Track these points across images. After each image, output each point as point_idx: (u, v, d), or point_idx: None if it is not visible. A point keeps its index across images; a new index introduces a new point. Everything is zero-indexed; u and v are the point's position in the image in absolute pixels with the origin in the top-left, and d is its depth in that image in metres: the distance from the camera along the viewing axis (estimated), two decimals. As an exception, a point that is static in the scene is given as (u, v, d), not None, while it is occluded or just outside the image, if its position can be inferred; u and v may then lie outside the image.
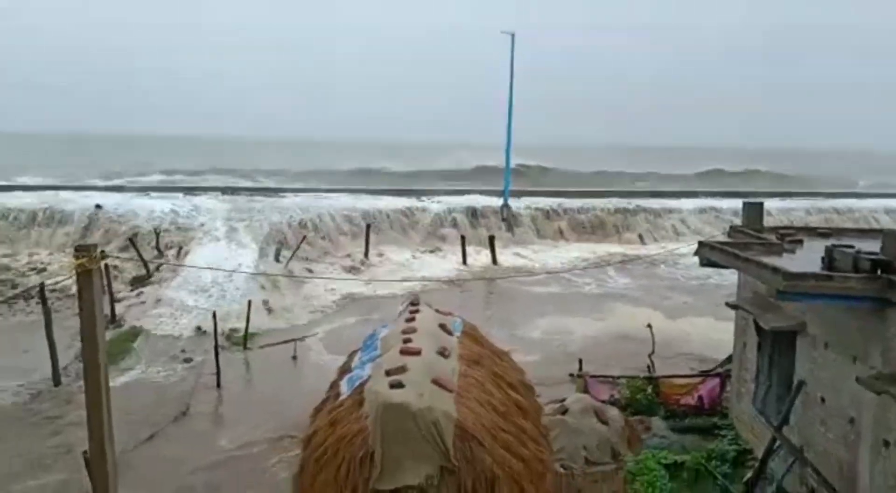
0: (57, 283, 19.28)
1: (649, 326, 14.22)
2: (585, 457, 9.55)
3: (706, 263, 10.70)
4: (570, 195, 38.81)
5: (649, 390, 12.33)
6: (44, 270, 25.01)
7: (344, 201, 34.37)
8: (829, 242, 9.19)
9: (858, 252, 7.88)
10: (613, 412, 10.55)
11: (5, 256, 26.92)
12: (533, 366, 13.80)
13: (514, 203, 35.12)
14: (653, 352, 13.74)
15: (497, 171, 37.61)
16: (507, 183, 35.04)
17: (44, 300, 15.64)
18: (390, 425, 7.44)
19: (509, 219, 33.92)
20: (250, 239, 26.20)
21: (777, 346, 9.95)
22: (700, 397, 12.34)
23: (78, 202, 30.87)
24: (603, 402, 11.42)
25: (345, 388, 9.00)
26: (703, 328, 17.76)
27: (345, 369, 9.82)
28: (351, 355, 10.36)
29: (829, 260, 8.26)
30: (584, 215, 35.50)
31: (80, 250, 7.69)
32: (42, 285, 16.64)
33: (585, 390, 12.04)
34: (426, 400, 7.51)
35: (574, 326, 19.75)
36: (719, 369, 13.14)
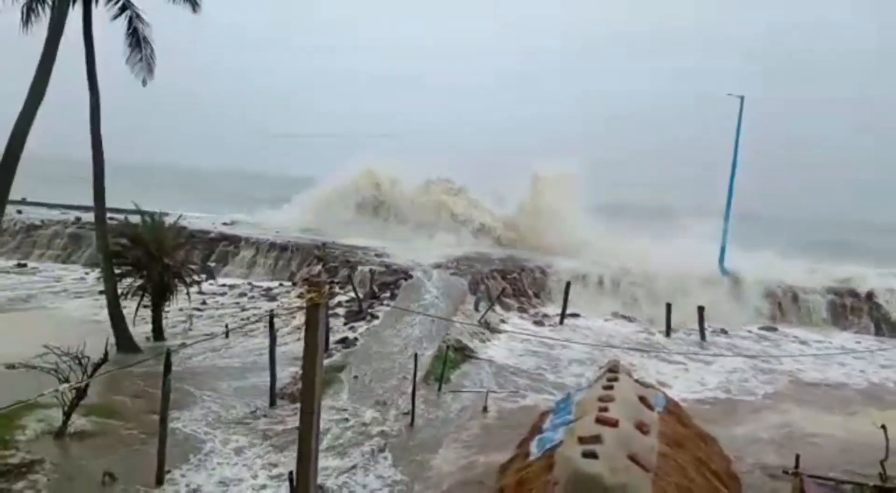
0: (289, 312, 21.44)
1: (883, 427, 12.40)
2: (795, 567, 8.51)
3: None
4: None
5: (880, 501, 10.71)
6: (273, 298, 28.01)
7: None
8: None
9: None
10: (833, 523, 9.32)
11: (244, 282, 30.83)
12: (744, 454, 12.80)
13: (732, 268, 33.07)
14: (886, 458, 11.93)
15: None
16: (725, 247, 33.26)
17: (271, 328, 17.38)
18: (580, 496, 7.24)
19: (725, 287, 31.81)
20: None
21: None
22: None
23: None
24: (820, 508, 10.16)
25: (534, 449, 8.95)
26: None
27: (535, 429, 9.77)
28: (542, 416, 10.29)
29: None
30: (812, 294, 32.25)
31: (312, 285, 8.44)
32: (272, 314, 18.54)
33: (801, 492, 10.78)
34: (620, 477, 7.24)
35: (797, 420, 17.85)
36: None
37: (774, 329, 29.75)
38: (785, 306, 31.71)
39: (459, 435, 15.22)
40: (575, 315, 28.78)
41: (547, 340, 24.27)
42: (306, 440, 8.40)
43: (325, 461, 12.74)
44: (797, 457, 11.83)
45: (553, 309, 29.31)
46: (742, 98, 32.33)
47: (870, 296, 32.01)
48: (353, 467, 13.23)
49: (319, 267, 30.66)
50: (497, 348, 23.28)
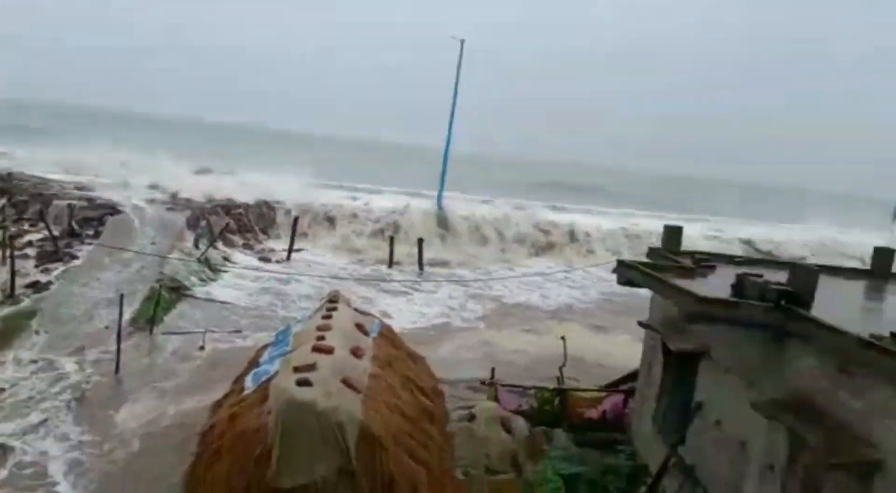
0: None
1: (563, 338, 14.44)
2: (487, 466, 9.62)
3: (624, 281, 10.91)
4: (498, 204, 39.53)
5: (556, 402, 12.51)
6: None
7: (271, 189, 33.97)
8: (741, 270, 9.47)
9: (767, 282, 8.13)
10: (519, 422, 10.67)
11: None
12: (451, 373, 13.88)
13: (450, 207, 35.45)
14: (564, 364, 13.94)
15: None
16: (443, 186, 35.32)
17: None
18: (292, 422, 7.28)
19: (442, 223, 34.05)
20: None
21: (681, 367, 10.24)
22: (604, 412, 12.60)
23: None
24: (511, 411, 11.55)
25: (249, 383, 8.78)
26: (626, 345, 18.00)
27: (252, 364, 9.58)
28: (260, 350, 10.11)
29: (738, 287, 8.44)
30: (514, 225, 35.90)
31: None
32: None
33: (496, 399, 12.13)
34: (333, 400, 7.39)
35: (500, 339, 19.73)
36: (623, 386, 13.46)
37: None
38: (495, 237, 34.89)
39: (163, 383, 14.23)
40: (300, 250, 28.71)
41: (277, 275, 23.87)
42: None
43: (8, 422, 11.21)
44: (493, 370, 13.29)
45: (281, 245, 28.89)
46: (462, 41, 33.83)
47: (571, 232, 36.66)
48: (41, 423, 11.75)
49: (3, 201, 26.35)
50: (221, 287, 22.29)
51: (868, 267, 12.42)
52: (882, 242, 13.31)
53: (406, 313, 22.14)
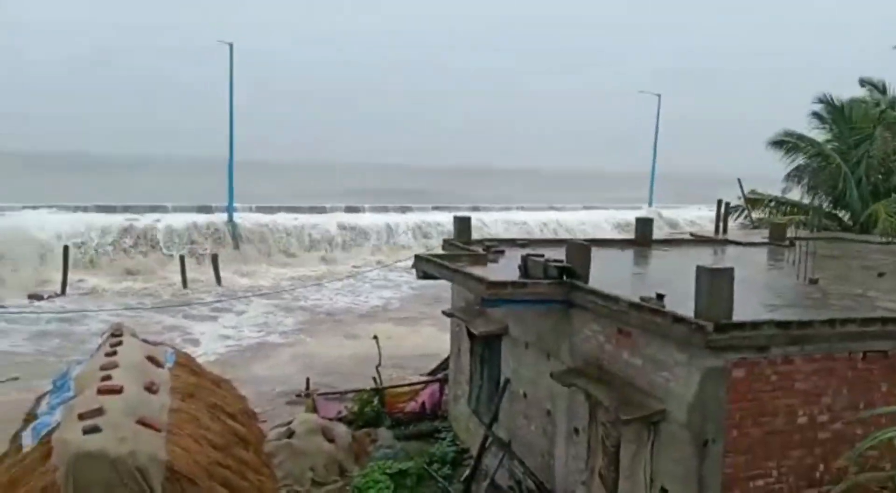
0: None
1: (375, 337, 14.47)
2: (312, 478, 9.44)
3: (423, 275, 11.14)
4: (300, 211, 38.74)
5: (375, 401, 12.53)
6: None
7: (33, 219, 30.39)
8: (526, 251, 10.06)
9: (547, 260, 8.73)
10: (340, 429, 10.59)
11: None
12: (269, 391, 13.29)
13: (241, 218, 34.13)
14: (380, 363, 13.99)
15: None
16: (231, 197, 33.90)
17: None
18: (85, 477, 6.64)
19: (235, 236, 32.73)
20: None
21: (486, 349, 10.74)
22: (423, 403, 12.85)
23: None
24: (332, 419, 11.39)
25: (28, 439, 7.88)
26: (439, 335, 18.41)
27: (29, 417, 8.59)
28: (38, 400, 9.09)
29: (524, 268, 9.02)
30: (313, 231, 35.43)
31: None
32: None
33: (314, 410, 11.91)
34: (129, 444, 6.83)
35: (317, 349, 19.39)
36: (440, 374, 13.83)
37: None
38: (297, 245, 34.21)
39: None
40: (81, 281, 26.17)
41: (60, 314, 21.55)
42: None
43: None
44: (307, 380, 13.00)
45: (55, 278, 25.88)
46: (231, 45, 32.76)
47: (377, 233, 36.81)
48: None
49: None
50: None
51: (633, 237, 13.83)
52: (644, 213, 14.98)
53: (216, 337, 20.98)
